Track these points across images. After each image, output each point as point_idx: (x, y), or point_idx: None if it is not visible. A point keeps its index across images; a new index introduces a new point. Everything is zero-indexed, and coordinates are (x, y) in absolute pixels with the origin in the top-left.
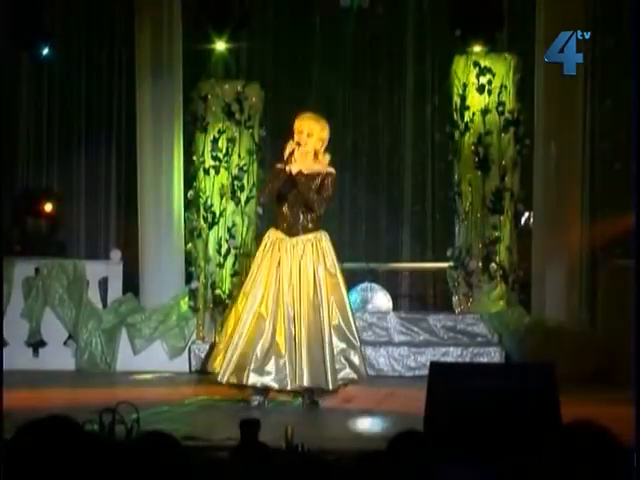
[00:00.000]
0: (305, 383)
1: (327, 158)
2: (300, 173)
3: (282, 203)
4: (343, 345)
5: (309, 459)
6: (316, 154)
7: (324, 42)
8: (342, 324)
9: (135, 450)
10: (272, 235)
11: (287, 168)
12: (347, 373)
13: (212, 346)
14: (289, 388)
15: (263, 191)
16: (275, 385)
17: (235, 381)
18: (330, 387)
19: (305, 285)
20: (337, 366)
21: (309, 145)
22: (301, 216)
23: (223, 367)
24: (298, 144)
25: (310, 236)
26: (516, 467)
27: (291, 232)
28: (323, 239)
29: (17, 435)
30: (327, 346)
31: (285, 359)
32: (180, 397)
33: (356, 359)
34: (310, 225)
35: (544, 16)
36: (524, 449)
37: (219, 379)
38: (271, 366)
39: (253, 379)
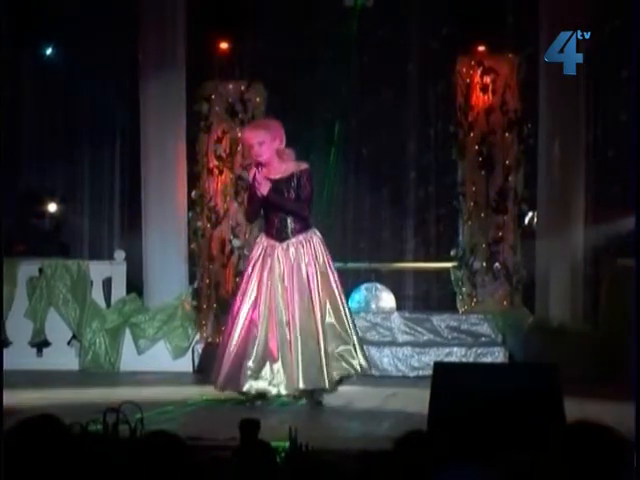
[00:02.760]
0: (301, 386)
1: (292, 154)
2: (271, 191)
3: (268, 211)
4: (337, 342)
5: (313, 459)
6: (280, 155)
7: (327, 42)
8: (335, 322)
9: (140, 450)
10: (264, 241)
11: (258, 192)
12: (342, 369)
13: (213, 347)
14: (285, 392)
15: (245, 212)
16: (271, 390)
17: (230, 388)
18: (327, 385)
19: (298, 288)
20: (333, 363)
21: (266, 154)
22: (288, 220)
23: (219, 375)
24: (257, 166)
25: (300, 237)
26: (520, 467)
27: (281, 237)
28: (314, 238)
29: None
30: (321, 346)
31: (279, 363)
32: (184, 397)
33: (350, 354)
34: (298, 227)
35: (547, 16)
36: (528, 449)
37: (215, 387)
38: (266, 371)
39: (248, 386)
